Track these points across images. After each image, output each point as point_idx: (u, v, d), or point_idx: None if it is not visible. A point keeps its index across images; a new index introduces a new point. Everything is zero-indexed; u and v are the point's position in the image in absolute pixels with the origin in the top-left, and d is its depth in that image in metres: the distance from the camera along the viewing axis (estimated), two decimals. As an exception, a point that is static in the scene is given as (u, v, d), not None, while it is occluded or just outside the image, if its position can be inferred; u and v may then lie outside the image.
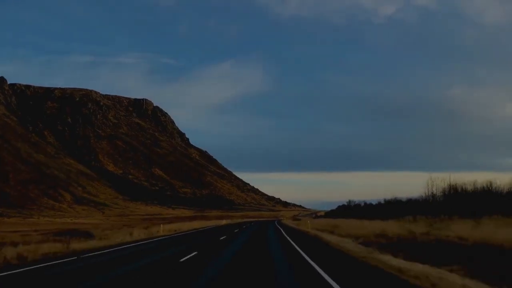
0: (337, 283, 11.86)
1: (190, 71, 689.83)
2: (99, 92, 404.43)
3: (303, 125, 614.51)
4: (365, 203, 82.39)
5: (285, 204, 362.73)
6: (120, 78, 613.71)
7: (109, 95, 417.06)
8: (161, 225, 60.40)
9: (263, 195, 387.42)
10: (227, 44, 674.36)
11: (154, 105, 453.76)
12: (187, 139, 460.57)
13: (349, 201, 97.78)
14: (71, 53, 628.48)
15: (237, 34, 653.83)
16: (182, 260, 18.76)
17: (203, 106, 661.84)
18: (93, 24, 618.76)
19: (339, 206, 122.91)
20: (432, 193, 68.39)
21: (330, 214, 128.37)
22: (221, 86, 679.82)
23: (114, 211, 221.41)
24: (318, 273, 14.05)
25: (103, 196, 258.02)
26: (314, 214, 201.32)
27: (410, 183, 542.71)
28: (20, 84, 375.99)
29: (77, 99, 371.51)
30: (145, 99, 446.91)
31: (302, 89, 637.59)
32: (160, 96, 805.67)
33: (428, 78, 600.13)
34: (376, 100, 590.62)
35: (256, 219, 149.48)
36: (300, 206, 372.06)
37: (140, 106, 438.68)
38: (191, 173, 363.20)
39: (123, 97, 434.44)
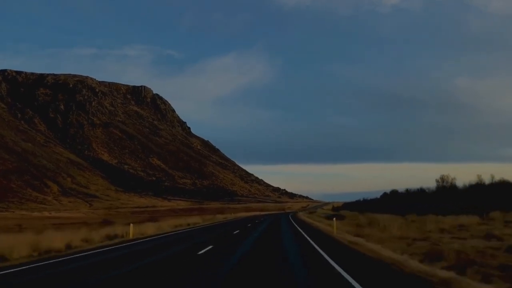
0: None
1: (194, 63, 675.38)
2: (95, 79, 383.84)
3: (308, 117, 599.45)
4: (417, 190, 59.84)
5: (292, 196, 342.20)
6: (122, 69, 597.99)
7: (105, 82, 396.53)
8: (131, 225, 41.68)
9: (268, 186, 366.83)
10: (230, 36, 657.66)
11: (154, 92, 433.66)
12: (188, 128, 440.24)
13: (394, 191, 73.70)
14: (75, 46, 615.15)
15: (240, 25, 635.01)
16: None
17: (206, 98, 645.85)
18: (97, 16, 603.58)
19: (363, 199, 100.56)
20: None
21: (347, 206, 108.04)
22: (225, 78, 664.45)
23: (104, 203, 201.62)
24: None
25: (94, 187, 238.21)
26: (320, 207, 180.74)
27: (416, 175, 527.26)
28: (11, 70, 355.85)
29: (71, 85, 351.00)
30: (144, 86, 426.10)
31: (307, 81, 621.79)
32: (163, 87, 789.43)
33: (434, 68, 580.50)
34: (381, 91, 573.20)
35: (262, 213, 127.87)
36: (306, 197, 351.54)
37: (138, 94, 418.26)
38: (192, 163, 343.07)
39: (120, 84, 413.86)
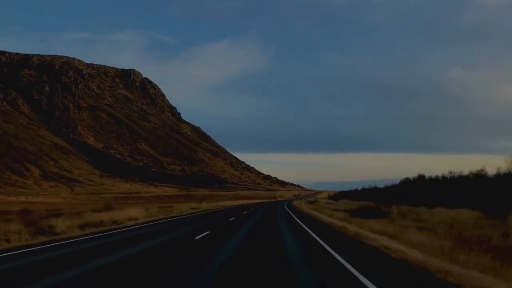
0: None
1: (186, 49, 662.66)
2: (82, 61, 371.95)
3: (300, 105, 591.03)
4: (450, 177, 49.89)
5: (283, 184, 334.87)
6: (113, 54, 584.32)
7: (93, 64, 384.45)
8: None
9: (259, 173, 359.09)
10: (223, 23, 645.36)
11: (143, 76, 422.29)
12: (179, 113, 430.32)
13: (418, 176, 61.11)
14: (66, 30, 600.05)
15: (234, 12, 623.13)
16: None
17: (198, 85, 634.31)
18: (90, 0, 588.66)
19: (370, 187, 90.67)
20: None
21: (346, 195, 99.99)
22: (217, 64, 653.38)
23: (86, 188, 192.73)
24: None
25: (78, 172, 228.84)
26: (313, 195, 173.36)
27: (406, 166, 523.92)
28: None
29: (57, 67, 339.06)
30: (133, 70, 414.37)
31: (299, 69, 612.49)
32: (155, 73, 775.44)
33: (426, 59, 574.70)
34: (374, 81, 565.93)
35: (251, 202, 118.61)
36: (298, 185, 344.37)
37: (127, 77, 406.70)
38: (181, 149, 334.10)
39: (109, 67, 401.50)
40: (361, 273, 8.89)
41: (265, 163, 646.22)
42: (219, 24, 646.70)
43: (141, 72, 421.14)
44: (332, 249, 13.22)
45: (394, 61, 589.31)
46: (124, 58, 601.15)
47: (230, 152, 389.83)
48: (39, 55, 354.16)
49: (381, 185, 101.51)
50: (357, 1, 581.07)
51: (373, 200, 66.74)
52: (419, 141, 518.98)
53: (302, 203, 69.68)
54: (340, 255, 11.69)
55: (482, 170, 40.86)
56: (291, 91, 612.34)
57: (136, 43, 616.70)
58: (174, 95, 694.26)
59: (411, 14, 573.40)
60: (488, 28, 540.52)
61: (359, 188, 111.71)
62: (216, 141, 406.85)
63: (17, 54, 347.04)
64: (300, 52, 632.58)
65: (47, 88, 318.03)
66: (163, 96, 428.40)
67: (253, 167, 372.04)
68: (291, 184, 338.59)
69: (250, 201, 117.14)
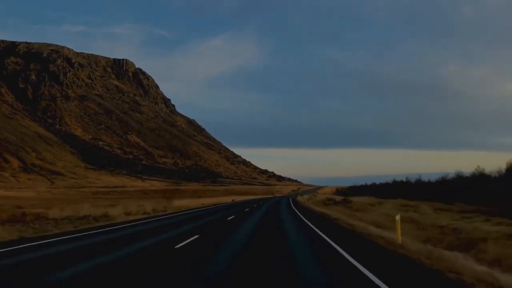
0: None
1: (184, 43, 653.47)
2: (72, 50, 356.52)
3: (298, 100, 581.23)
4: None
5: (280, 178, 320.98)
6: (111, 48, 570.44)
7: (84, 53, 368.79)
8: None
9: (255, 168, 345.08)
10: (222, 17, 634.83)
11: (136, 67, 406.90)
12: (173, 105, 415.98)
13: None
14: (64, 23, 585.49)
15: (232, 7, 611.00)
16: None
17: (196, 79, 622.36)
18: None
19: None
20: None
21: (356, 191, 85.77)
22: (215, 59, 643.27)
23: (68, 182, 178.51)
24: None
25: (61, 164, 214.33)
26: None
27: (407, 162, 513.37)
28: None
29: (45, 55, 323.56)
30: (126, 60, 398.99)
31: (297, 63, 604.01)
32: (153, 67, 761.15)
33: (423, 55, 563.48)
34: (372, 76, 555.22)
35: (243, 198, 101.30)
36: (296, 180, 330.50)
37: (120, 67, 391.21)
38: (174, 142, 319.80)
39: (100, 56, 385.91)
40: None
41: (262, 158, 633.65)
42: (217, 19, 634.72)
43: (134, 63, 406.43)
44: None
45: (393, 56, 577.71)
46: (122, 51, 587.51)
47: (226, 146, 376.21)
48: (26, 42, 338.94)
49: (382, 180, 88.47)
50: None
51: (414, 198, 51.19)
52: (417, 137, 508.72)
53: (315, 203, 50.69)
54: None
55: None
56: (288, 85, 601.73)
57: (133, 37, 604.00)
58: (170, 88, 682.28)
59: (410, 9, 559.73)
60: (485, 24, 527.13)
61: (357, 183, 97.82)
62: (212, 134, 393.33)
63: (3, 41, 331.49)
64: (298, 47, 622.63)
65: (33, 77, 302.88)
66: (157, 87, 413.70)
67: (249, 162, 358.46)
68: (289, 179, 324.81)
69: (240, 198, 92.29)
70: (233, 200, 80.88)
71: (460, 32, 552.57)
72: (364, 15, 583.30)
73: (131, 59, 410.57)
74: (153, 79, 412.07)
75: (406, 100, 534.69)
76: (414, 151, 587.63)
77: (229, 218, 27.15)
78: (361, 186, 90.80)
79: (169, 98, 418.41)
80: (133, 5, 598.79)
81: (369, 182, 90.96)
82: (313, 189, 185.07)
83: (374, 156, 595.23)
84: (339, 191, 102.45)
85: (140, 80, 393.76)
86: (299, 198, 78.59)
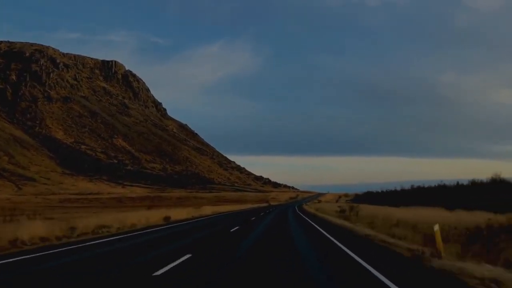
0: None
1: (179, 50, 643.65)
2: (58, 50, 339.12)
3: (293, 108, 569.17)
4: None
5: (276, 185, 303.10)
6: (106, 55, 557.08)
7: (70, 53, 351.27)
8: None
9: (249, 174, 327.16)
10: (217, 25, 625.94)
11: (126, 69, 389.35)
12: (164, 109, 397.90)
13: None
14: (59, 30, 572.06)
15: (228, 14, 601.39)
16: None
17: (191, 86, 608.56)
18: (83, 1, 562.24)
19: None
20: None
21: (366, 199, 68.37)
22: (210, 66, 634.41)
23: (38, 188, 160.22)
24: None
25: (36, 169, 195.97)
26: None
27: (400, 169, 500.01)
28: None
29: (27, 54, 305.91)
30: (115, 61, 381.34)
31: (292, 71, 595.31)
32: (148, 74, 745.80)
33: (420, 62, 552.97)
34: (368, 84, 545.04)
35: (225, 210, 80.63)
36: (292, 187, 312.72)
37: (108, 69, 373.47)
38: (164, 146, 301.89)
39: (88, 57, 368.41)
40: None
41: (258, 165, 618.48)
42: (213, 26, 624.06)
43: (123, 64, 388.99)
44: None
45: (389, 64, 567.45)
46: (115, 57, 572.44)
47: (219, 151, 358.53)
48: (8, 41, 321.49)
49: (380, 188, 73.70)
50: (350, 4, 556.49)
51: (437, 205, 36.66)
52: (414, 144, 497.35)
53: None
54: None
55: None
56: (284, 93, 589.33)
57: (128, 44, 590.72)
58: (163, 94, 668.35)
59: (405, 17, 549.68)
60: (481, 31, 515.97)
61: (358, 191, 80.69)
62: (206, 140, 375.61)
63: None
64: (294, 54, 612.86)
65: (13, 77, 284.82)
66: (148, 90, 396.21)
67: (244, 168, 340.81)
68: (285, 186, 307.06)
69: (227, 209, 67.29)
70: (224, 209, 55.95)
71: (456, 41, 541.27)
72: (362, 25, 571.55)
73: (124, 63, 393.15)
74: (143, 82, 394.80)
75: (401, 108, 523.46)
76: (409, 159, 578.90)
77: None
78: (373, 193, 73.90)
79: (160, 101, 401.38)
80: (128, 12, 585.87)
81: (366, 189, 77.13)
82: (313, 196, 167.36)
83: (370, 164, 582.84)
84: (351, 199, 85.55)
85: (129, 83, 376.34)
86: (316, 211, 53.24)
